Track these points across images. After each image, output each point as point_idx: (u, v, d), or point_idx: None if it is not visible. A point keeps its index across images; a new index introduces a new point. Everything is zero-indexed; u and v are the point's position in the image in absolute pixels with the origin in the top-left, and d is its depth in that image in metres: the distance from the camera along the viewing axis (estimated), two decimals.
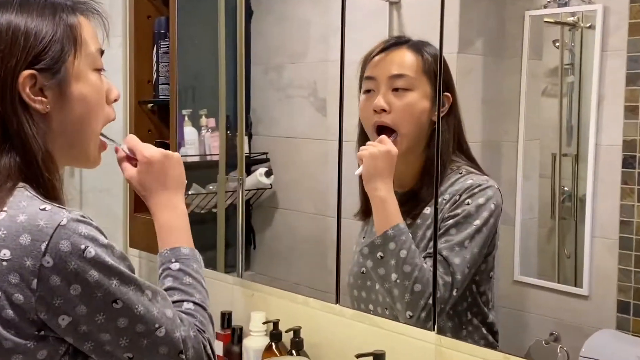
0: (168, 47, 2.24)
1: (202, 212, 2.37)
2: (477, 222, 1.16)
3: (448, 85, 1.24)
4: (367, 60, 1.22)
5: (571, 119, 1.97)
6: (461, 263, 1.13)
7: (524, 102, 2.02)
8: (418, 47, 1.22)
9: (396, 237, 1.12)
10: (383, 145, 1.14)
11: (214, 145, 2.35)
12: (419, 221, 1.20)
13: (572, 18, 1.87)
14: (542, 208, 2.05)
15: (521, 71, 2.04)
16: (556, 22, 1.90)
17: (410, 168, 1.23)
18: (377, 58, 1.24)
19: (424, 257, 1.15)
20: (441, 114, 1.23)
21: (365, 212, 1.31)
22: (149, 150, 0.94)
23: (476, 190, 1.17)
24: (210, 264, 2.27)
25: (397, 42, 1.22)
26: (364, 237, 1.29)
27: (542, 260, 2.01)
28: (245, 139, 2.44)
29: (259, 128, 2.70)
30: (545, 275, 1.98)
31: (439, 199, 1.16)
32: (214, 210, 2.32)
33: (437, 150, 0.54)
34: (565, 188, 2.01)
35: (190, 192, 2.32)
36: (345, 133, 2.41)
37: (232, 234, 2.24)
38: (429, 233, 1.17)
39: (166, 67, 2.26)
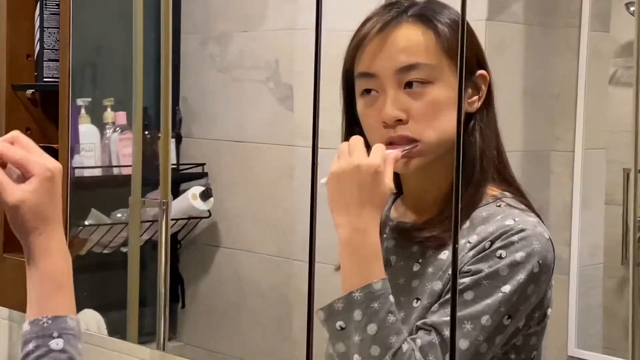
0: (57, 4, 2.22)
1: (106, 252, 2.34)
2: (507, 289, 1.11)
3: (480, 60, 1.23)
4: (356, 50, 1.20)
5: None
6: (470, 349, 1.08)
7: (584, 94, 2.04)
8: (425, 15, 1.20)
9: (365, 302, 1.08)
10: (357, 156, 1.11)
11: (125, 153, 2.33)
12: (429, 270, 1.18)
13: None
14: (609, 250, 2.06)
15: (579, 48, 2.06)
16: None
17: (432, 190, 1.20)
18: (371, 45, 1.21)
19: (417, 330, 1.11)
20: (474, 106, 1.23)
21: None
22: (49, 160, 0.93)
23: (515, 238, 1.13)
24: (118, 330, 2.23)
25: (394, 16, 1.19)
26: None
27: (609, 327, 2.01)
28: (172, 143, 2.42)
29: (193, 127, 2.64)
30: (614, 349, 1.98)
31: (463, 240, 1.15)
32: (124, 249, 2.29)
33: (457, 165, 0.54)
34: None
35: (87, 223, 2.30)
36: (322, 135, 2.39)
37: (151, 285, 2.21)
38: (437, 287, 1.15)
39: (54, 35, 2.23)
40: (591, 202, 1.97)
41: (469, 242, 1.13)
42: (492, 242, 1.11)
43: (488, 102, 1.22)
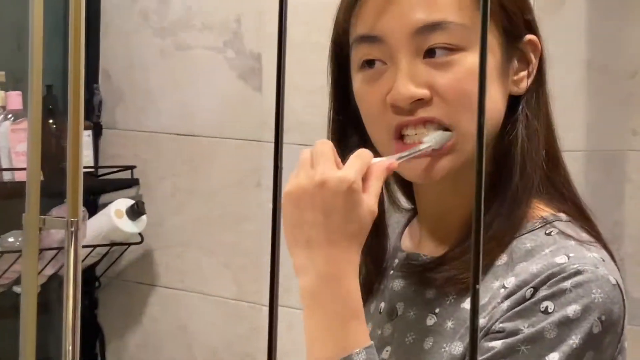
0: None
1: None
2: (555, 358, 1.13)
3: (529, 21, 1.25)
4: (354, 3, 1.20)
5: None
6: None
7: None
8: None
9: None
10: (323, 168, 1.10)
11: (19, 151, 2.32)
12: (448, 325, 1.18)
13: None
14: None
15: None
16: None
17: (458, 209, 1.21)
18: None
19: None
20: (522, 86, 1.23)
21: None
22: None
23: (568, 284, 1.13)
24: None
25: None
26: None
27: None
28: (87, 136, 2.44)
29: (119, 114, 2.66)
30: None
31: (497, 283, 1.15)
32: (16, 289, 2.30)
33: (478, 168, 0.51)
34: None
35: None
36: (302, 129, 2.47)
37: (54, 339, 2.20)
38: (457, 350, 1.15)
39: None
40: None
41: (505, 286, 1.12)
42: (536, 289, 1.10)
43: (539, 81, 1.22)
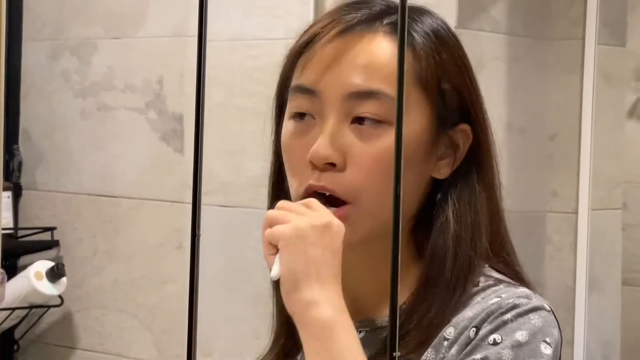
0: None
1: None
2: None
3: (467, 110, 1.23)
4: (298, 55, 1.20)
5: None
6: None
7: (591, 133, 2.06)
8: (417, 30, 1.20)
9: None
10: (318, 212, 1.12)
11: None
12: None
13: None
14: (629, 350, 2.07)
15: (583, 68, 2.08)
16: None
17: (371, 283, 1.22)
18: (322, 52, 1.22)
19: None
20: (443, 172, 1.22)
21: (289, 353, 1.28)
22: None
23: (508, 316, 1.15)
24: None
25: (364, 20, 1.20)
26: None
27: None
28: (6, 197, 2.44)
29: (39, 175, 2.61)
30: None
31: (437, 339, 1.17)
32: None
33: (394, 252, 0.51)
34: None
35: None
36: (217, 188, 2.47)
37: None
38: None
39: None
40: (603, 283, 1.98)
41: (446, 337, 1.13)
42: (478, 328, 1.11)
43: (471, 169, 1.20)
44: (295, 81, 1.20)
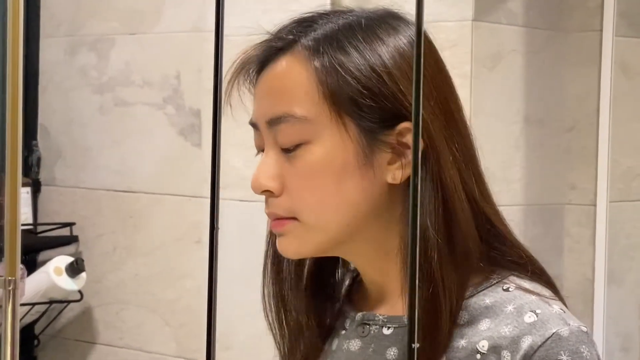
0: None
1: None
2: None
3: (405, 108, 1.20)
4: (237, 74, 1.22)
5: None
6: None
7: (609, 125, 2.05)
8: (318, 45, 1.18)
9: None
10: None
11: None
12: None
13: None
14: None
15: (601, 60, 2.07)
16: None
17: (378, 274, 1.20)
18: (262, 77, 1.19)
19: None
20: (398, 176, 1.20)
21: None
22: None
23: (564, 356, 1.16)
24: None
25: (288, 41, 1.19)
26: None
27: None
28: (25, 193, 2.45)
29: (58, 171, 2.63)
30: None
31: (463, 342, 1.15)
32: None
33: (410, 280, 0.50)
34: None
35: None
36: (236, 182, 2.45)
37: None
38: None
39: None
40: (622, 276, 1.97)
41: (479, 352, 1.12)
42: (516, 352, 1.11)
43: (426, 166, 1.17)
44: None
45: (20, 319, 2.42)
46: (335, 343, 1.24)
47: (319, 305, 1.25)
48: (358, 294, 1.25)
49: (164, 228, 2.32)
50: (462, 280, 1.14)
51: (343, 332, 1.23)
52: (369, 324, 1.21)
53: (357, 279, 1.26)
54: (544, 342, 1.11)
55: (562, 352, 1.11)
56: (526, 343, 1.12)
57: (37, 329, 2.44)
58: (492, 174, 1.91)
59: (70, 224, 2.44)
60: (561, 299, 1.18)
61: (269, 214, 1.17)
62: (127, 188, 2.37)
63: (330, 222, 1.14)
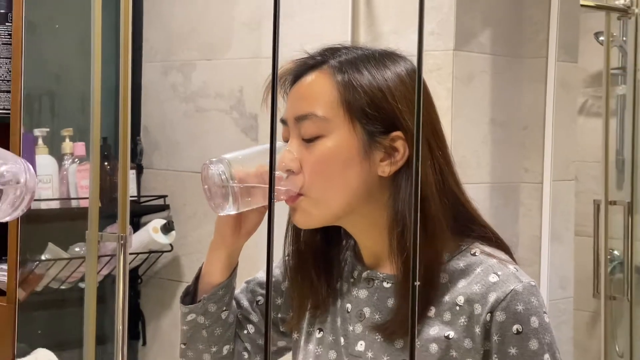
0: (10, 34, 2.17)
1: (63, 288, 2.30)
2: (547, 358, 1.11)
3: (396, 121, 1.12)
4: (280, 81, 1.21)
5: (622, 150, 1.99)
6: None
7: (552, 125, 2.04)
8: (341, 67, 1.14)
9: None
10: None
11: (84, 185, 2.28)
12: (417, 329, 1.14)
13: (622, 0, 1.90)
14: (579, 282, 2.05)
15: (546, 78, 2.06)
16: (599, 7, 1.93)
17: (373, 245, 1.17)
18: (295, 86, 1.17)
19: None
20: (386, 171, 1.13)
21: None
22: None
23: (519, 307, 1.10)
24: None
25: (319, 61, 1.15)
26: (322, 332, 1.23)
27: None
28: (132, 174, 2.47)
29: (155, 158, 2.65)
30: None
31: (446, 297, 1.13)
32: (81, 285, 2.28)
33: (413, 271, 0.48)
34: (615, 252, 2.01)
35: (43, 257, 2.25)
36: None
37: (111, 322, 2.16)
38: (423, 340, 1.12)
39: (7, 65, 2.18)
40: (561, 234, 1.96)
41: (458, 305, 1.10)
42: (492, 314, 1.09)
43: (406, 166, 1.13)
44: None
45: (129, 263, 2.43)
46: (345, 286, 1.21)
47: (328, 258, 1.23)
48: (366, 251, 1.22)
49: None
50: (433, 252, 1.12)
51: (352, 280, 1.21)
52: (373, 279, 1.19)
53: (357, 244, 1.23)
54: (505, 297, 1.10)
55: (518, 303, 1.10)
56: (492, 298, 1.10)
57: (140, 271, 2.45)
58: (467, 161, 1.90)
59: (163, 196, 2.44)
60: (514, 260, 1.17)
61: (285, 190, 1.15)
62: None
63: (333, 200, 1.13)
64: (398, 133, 1.12)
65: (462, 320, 1.11)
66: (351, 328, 1.18)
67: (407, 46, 1.89)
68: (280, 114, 1.19)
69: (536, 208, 1.93)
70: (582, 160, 2.01)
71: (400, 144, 1.12)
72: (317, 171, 1.12)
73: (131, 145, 2.37)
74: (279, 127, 1.19)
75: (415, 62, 1.08)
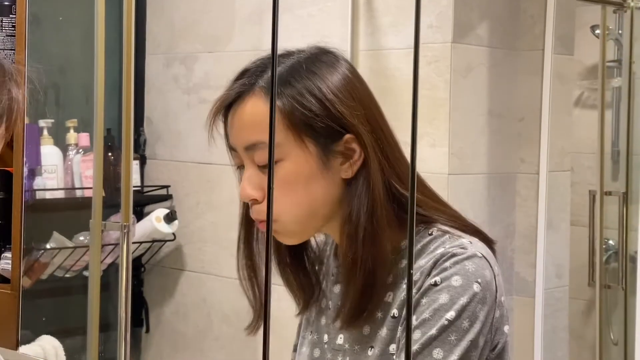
0: (14, 26, 2.18)
1: (67, 276, 2.31)
2: (450, 315, 1.06)
3: (343, 125, 1.11)
4: (217, 112, 1.21)
5: (618, 142, 1.99)
6: None
7: (548, 117, 2.04)
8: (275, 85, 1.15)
9: None
10: None
11: (88, 175, 2.29)
12: (379, 314, 1.13)
13: None
14: (575, 271, 2.06)
15: (543, 71, 2.06)
16: (595, 0, 1.93)
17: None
18: (229, 118, 1.15)
19: None
20: (349, 173, 1.12)
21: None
22: None
23: (447, 264, 1.08)
24: (76, 357, 2.19)
25: (248, 85, 1.14)
26: (312, 333, 1.23)
27: (577, 349, 2.01)
28: (135, 164, 2.45)
29: (158, 149, 2.66)
30: None
31: (400, 289, 1.13)
32: (85, 273, 2.28)
33: (410, 212, 0.50)
34: (610, 242, 2.02)
35: (48, 246, 2.26)
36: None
37: (113, 309, 2.18)
38: (384, 333, 1.10)
39: (11, 57, 2.20)
40: (557, 224, 1.96)
41: (415, 281, 1.10)
42: (428, 275, 1.08)
43: (369, 163, 1.12)
44: (228, 141, 1.19)
45: (132, 252, 2.44)
46: (329, 285, 1.22)
47: (303, 265, 1.23)
48: (337, 250, 1.22)
49: (231, 189, 2.32)
50: (382, 239, 1.11)
51: (332, 277, 1.21)
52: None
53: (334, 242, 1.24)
54: (440, 258, 1.08)
55: (448, 262, 1.08)
56: (433, 262, 1.10)
57: (144, 259, 2.45)
58: (464, 152, 1.91)
59: (166, 186, 2.44)
60: (475, 235, 1.14)
61: (255, 219, 1.15)
62: (206, 161, 2.37)
63: (305, 216, 1.12)
64: (349, 136, 1.11)
65: (417, 295, 1.09)
66: (332, 324, 1.18)
67: (405, 39, 1.90)
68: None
69: (532, 198, 1.94)
70: (578, 152, 2.01)
71: (355, 145, 1.11)
72: (282, 195, 1.11)
73: (134, 136, 2.38)
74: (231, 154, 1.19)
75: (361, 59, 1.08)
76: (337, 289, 1.19)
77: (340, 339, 1.17)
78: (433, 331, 1.06)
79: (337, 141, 1.11)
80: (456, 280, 1.07)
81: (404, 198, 1.13)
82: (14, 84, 0.97)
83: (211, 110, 1.17)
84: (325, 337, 1.19)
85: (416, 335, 1.06)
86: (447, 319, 1.06)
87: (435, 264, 1.08)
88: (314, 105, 1.10)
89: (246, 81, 1.15)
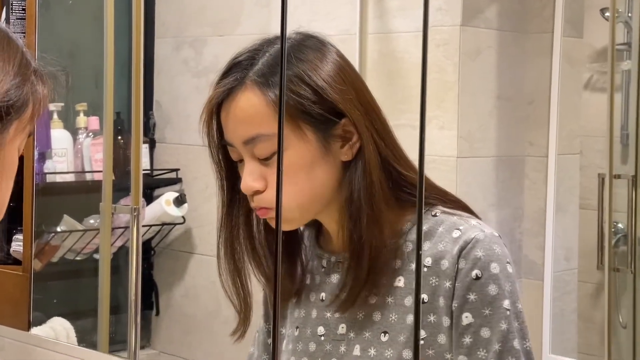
0: (24, 9, 2.18)
1: (78, 259, 2.31)
2: (507, 304, 1.09)
3: (338, 110, 1.12)
4: (211, 112, 1.20)
5: (627, 125, 1.98)
6: None
7: (557, 100, 2.03)
8: (264, 78, 1.12)
9: None
10: None
11: (97, 158, 2.28)
12: (388, 300, 1.15)
13: None
14: (584, 254, 2.06)
15: (552, 54, 2.06)
16: None
17: (338, 228, 1.17)
18: (222, 114, 1.15)
19: None
20: (348, 155, 1.13)
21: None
22: None
23: (479, 253, 1.09)
24: (87, 339, 2.20)
25: (238, 79, 1.14)
26: (297, 329, 1.22)
27: (584, 332, 2.01)
28: (145, 148, 2.42)
29: (167, 132, 2.67)
30: (589, 354, 1.98)
31: (413, 265, 1.13)
32: (95, 256, 2.28)
33: (419, 198, 0.49)
34: (619, 225, 2.01)
35: (59, 229, 2.26)
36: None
37: (123, 292, 2.19)
38: (410, 320, 1.13)
39: (21, 40, 2.19)
40: (566, 207, 1.96)
41: (426, 266, 1.10)
42: (457, 265, 1.09)
43: (367, 145, 1.13)
44: (224, 137, 1.18)
45: (142, 235, 2.44)
46: (317, 278, 1.21)
47: (291, 255, 1.23)
48: (324, 239, 1.22)
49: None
50: (381, 222, 1.12)
51: (323, 269, 1.20)
52: (343, 262, 1.18)
53: (321, 230, 1.23)
54: (466, 246, 1.10)
55: (478, 250, 1.09)
56: (456, 249, 1.10)
57: (153, 242, 2.46)
58: (473, 135, 1.91)
59: (176, 170, 2.44)
60: (476, 216, 1.16)
61: (254, 207, 1.15)
62: None
63: (308, 201, 1.12)
64: (345, 120, 1.12)
65: (433, 280, 1.10)
66: (329, 315, 1.18)
67: (414, 22, 1.89)
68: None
69: (541, 181, 1.93)
70: (587, 135, 2.00)
71: (351, 127, 1.12)
72: (285, 183, 1.11)
73: (144, 119, 2.38)
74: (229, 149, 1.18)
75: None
76: (334, 278, 1.19)
77: (342, 329, 1.16)
78: (503, 325, 1.08)
79: (335, 125, 1.12)
80: (494, 268, 1.09)
81: (402, 176, 1.14)
82: (39, 80, 0.98)
83: (204, 112, 1.18)
84: (321, 329, 1.18)
85: (485, 333, 1.08)
86: (505, 308, 1.09)
87: (461, 252, 1.09)
88: (307, 91, 1.11)
89: (236, 76, 1.15)
